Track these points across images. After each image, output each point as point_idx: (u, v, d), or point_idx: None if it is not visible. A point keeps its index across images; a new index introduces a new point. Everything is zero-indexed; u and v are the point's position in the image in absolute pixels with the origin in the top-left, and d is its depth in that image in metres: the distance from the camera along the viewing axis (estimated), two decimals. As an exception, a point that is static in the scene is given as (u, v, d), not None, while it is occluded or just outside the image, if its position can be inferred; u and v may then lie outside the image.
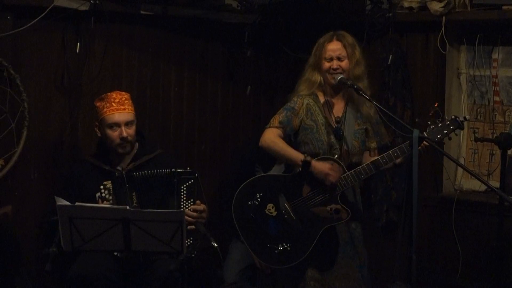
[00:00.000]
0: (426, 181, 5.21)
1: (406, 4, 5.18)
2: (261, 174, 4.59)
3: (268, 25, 5.57)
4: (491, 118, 5.24)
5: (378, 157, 4.10)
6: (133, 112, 4.35)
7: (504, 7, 4.81)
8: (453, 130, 4.02)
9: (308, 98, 4.28)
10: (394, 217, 5.24)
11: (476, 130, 5.30)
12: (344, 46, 4.24)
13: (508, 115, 5.19)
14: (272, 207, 4.20)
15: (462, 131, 5.25)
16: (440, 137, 4.00)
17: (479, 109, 5.31)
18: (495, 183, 4.81)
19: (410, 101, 5.22)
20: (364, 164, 4.12)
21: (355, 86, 4.13)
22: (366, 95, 4.10)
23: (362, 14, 5.34)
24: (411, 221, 3.66)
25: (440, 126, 4.01)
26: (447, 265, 5.19)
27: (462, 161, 5.25)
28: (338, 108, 4.29)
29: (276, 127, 4.26)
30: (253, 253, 4.30)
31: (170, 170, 4.24)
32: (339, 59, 4.22)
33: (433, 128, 4.00)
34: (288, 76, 5.86)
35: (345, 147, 4.20)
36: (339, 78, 4.18)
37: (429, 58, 5.24)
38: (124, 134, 4.27)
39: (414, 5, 5.15)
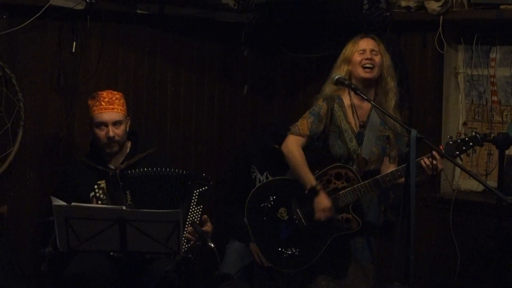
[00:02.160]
0: (424, 182, 5.19)
1: (403, 4, 5.17)
2: (276, 178, 4.57)
3: (265, 24, 5.55)
4: (489, 118, 5.23)
5: (393, 170, 4.08)
6: (123, 112, 4.32)
7: (502, 7, 4.80)
8: (472, 147, 4.00)
9: (332, 102, 4.23)
10: (392, 218, 5.21)
11: (474, 130, 5.29)
12: (377, 44, 4.24)
13: (506, 115, 5.18)
14: (284, 211, 4.22)
15: (460, 131, 5.27)
16: (458, 153, 3.99)
17: (476, 109, 5.30)
18: (493, 183, 4.81)
19: (407, 100, 5.20)
20: (376, 178, 4.10)
21: (353, 86, 4.10)
22: (363, 94, 4.08)
23: (359, 13, 5.32)
24: (409, 221, 3.65)
25: (460, 142, 3.98)
26: (445, 266, 5.18)
27: (459, 161, 5.23)
28: (363, 111, 4.25)
29: (300, 135, 4.20)
30: (262, 254, 4.31)
31: (186, 172, 4.22)
32: (372, 51, 4.19)
33: (451, 144, 3.99)
34: (286, 75, 5.85)
35: (362, 155, 4.17)
36: (336, 77, 4.15)
37: (426, 57, 5.23)
38: (111, 133, 4.25)
39: (411, 4, 5.14)
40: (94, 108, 4.28)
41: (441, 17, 5.01)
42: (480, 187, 5.20)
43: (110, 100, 4.29)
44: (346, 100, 4.24)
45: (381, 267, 4.43)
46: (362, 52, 4.19)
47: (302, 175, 4.16)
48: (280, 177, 4.45)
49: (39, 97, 4.62)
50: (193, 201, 4.19)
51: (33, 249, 4.58)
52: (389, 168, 4.19)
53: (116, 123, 4.28)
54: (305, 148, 4.24)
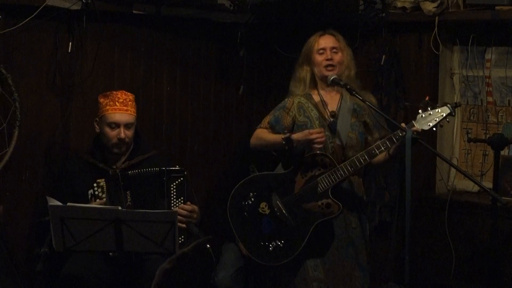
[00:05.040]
0: (419, 182, 5.20)
1: (399, 4, 5.18)
2: (255, 174, 4.58)
3: (261, 24, 5.56)
4: (484, 119, 5.24)
5: (368, 149, 4.06)
6: (135, 115, 4.37)
7: (497, 8, 4.80)
8: (445, 117, 3.91)
9: (299, 97, 4.28)
10: (387, 218, 5.23)
11: (469, 131, 5.30)
12: (337, 40, 4.25)
13: (501, 115, 5.19)
14: (265, 205, 4.21)
15: (455, 132, 5.28)
16: (430, 125, 3.91)
17: (472, 110, 5.31)
18: (488, 184, 4.81)
19: (403, 101, 5.21)
20: (351, 158, 4.08)
21: (348, 86, 4.11)
22: (359, 95, 4.09)
23: (355, 14, 5.34)
24: (404, 221, 3.65)
25: (431, 114, 3.91)
26: (440, 266, 5.18)
27: (455, 162, 5.25)
28: (333, 102, 4.27)
29: (265, 128, 4.34)
30: (248, 252, 4.30)
31: (159, 168, 4.22)
32: (332, 49, 4.21)
33: (423, 116, 3.92)
34: (281, 76, 5.84)
35: (337, 142, 4.18)
36: (332, 78, 4.16)
37: (422, 58, 5.24)
38: (122, 135, 4.26)
39: (407, 5, 5.15)
40: (108, 107, 4.29)
41: (437, 18, 5.02)
42: (476, 188, 5.20)
43: (124, 101, 4.31)
44: (315, 95, 4.29)
45: (377, 267, 4.44)
46: (322, 51, 4.22)
47: (271, 141, 4.26)
48: (258, 173, 4.46)
49: (35, 97, 4.61)
50: (172, 195, 4.20)
51: (28, 249, 4.58)
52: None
53: (128, 125, 4.30)
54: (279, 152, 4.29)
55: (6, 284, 4.41)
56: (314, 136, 4.05)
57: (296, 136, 4.11)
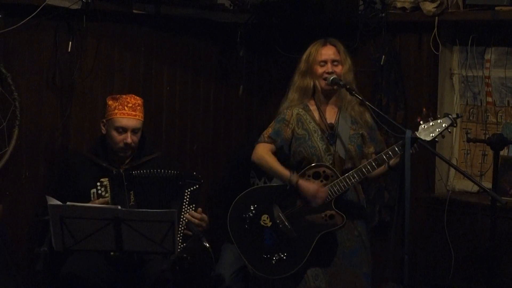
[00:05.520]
0: (419, 182, 5.20)
1: (399, 5, 5.18)
2: (254, 187, 4.56)
3: (261, 24, 5.56)
4: (483, 119, 5.24)
5: (370, 159, 4.08)
6: (142, 120, 4.36)
7: (497, 8, 4.80)
8: (446, 128, 3.95)
9: (298, 108, 4.25)
10: (387, 218, 5.23)
11: (469, 131, 5.30)
12: (338, 51, 4.23)
13: (501, 116, 5.19)
14: (267, 218, 4.18)
15: (454, 132, 5.28)
16: (433, 136, 3.94)
17: (471, 110, 5.31)
18: (487, 184, 4.81)
19: (403, 101, 5.21)
20: (355, 169, 4.09)
21: (348, 86, 4.10)
22: (358, 95, 4.09)
23: (355, 14, 5.33)
24: (403, 221, 3.65)
25: (433, 125, 3.94)
26: (439, 266, 5.18)
27: (454, 162, 5.25)
28: (331, 115, 4.25)
29: (266, 142, 4.25)
30: (250, 265, 4.27)
31: (177, 172, 4.23)
32: (333, 62, 4.19)
33: (425, 127, 3.94)
34: (281, 76, 5.84)
35: (338, 153, 4.18)
36: (331, 78, 4.15)
37: (422, 58, 5.24)
38: (129, 140, 4.27)
39: (407, 5, 5.15)
40: (116, 111, 4.28)
41: (436, 18, 5.02)
42: (475, 188, 5.20)
43: (133, 106, 4.31)
44: (312, 105, 4.26)
45: (376, 267, 4.43)
46: (323, 64, 4.20)
47: (276, 172, 4.18)
48: (258, 186, 4.43)
49: (34, 96, 4.62)
50: (185, 200, 4.20)
51: (28, 249, 4.58)
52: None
53: (135, 130, 4.30)
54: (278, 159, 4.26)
55: (6, 284, 4.41)
56: (319, 195, 4.06)
57: (303, 185, 4.07)
